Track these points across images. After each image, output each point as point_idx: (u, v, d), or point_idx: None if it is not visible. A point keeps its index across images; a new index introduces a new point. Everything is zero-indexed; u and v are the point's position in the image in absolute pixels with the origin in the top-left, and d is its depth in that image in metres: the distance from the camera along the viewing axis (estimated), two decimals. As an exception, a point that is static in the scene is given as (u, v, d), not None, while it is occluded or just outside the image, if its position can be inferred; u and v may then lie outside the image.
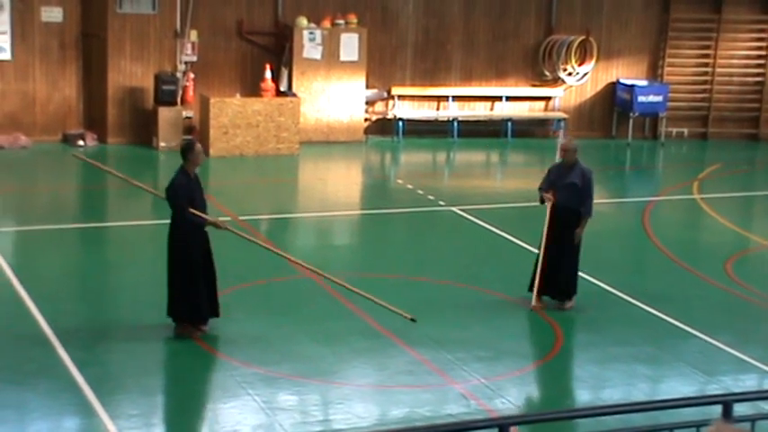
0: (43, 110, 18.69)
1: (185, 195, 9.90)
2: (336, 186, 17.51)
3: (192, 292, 9.93)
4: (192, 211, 9.94)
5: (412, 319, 9.92)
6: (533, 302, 11.16)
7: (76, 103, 18.88)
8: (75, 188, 15.57)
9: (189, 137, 18.87)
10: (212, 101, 18.30)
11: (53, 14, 18.43)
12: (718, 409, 5.41)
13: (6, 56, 18.25)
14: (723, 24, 21.92)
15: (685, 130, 22.20)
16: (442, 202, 15.82)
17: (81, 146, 18.37)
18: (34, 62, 18.48)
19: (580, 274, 11.42)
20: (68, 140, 18.57)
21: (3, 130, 18.29)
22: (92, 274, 12.25)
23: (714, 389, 9.51)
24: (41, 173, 17.13)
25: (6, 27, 18.14)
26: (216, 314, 10.18)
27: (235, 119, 18.37)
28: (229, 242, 13.33)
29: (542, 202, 11.22)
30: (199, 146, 10.23)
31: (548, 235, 11.11)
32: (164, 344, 10.00)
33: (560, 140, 11.38)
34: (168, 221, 10.07)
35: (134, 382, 9.27)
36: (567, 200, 11.06)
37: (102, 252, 13.28)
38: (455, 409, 8.85)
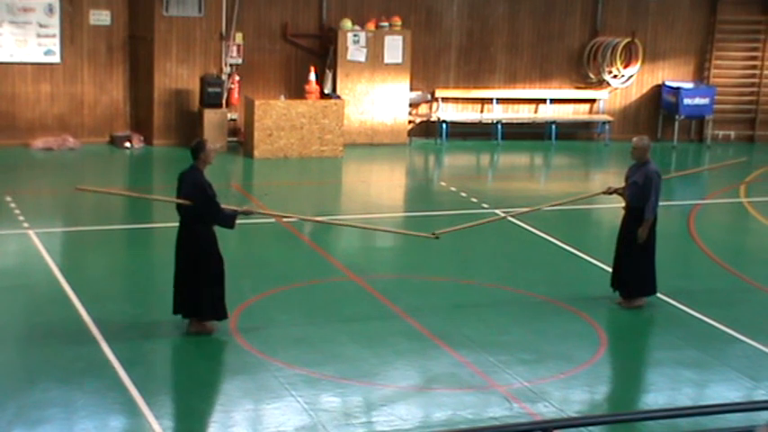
0: (91, 112, 18.92)
1: (214, 192, 10.01)
2: (380, 189, 17.54)
3: (218, 288, 10.08)
4: (225, 206, 10.07)
5: (436, 237, 10.94)
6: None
7: (123, 106, 19.09)
8: (121, 189, 15.73)
9: (233, 138, 19.03)
10: (257, 103, 18.41)
11: (101, 17, 18.66)
12: (765, 415, 5.36)
13: (56, 59, 18.51)
14: (771, 26, 21.67)
15: (732, 133, 21.97)
16: (485, 205, 15.79)
17: (128, 147, 18.58)
18: (82, 65, 18.72)
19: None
20: (115, 142, 18.78)
21: (51, 132, 18.56)
22: (138, 273, 12.38)
23: (761, 395, 9.39)
24: (89, 174, 17.33)
25: (56, 30, 18.40)
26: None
27: (279, 121, 18.47)
28: (272, 245, 13.41)
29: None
30: (210, 144, 10.24)
31: (619, 231, 11.54)
32: (208, 344, 10.08)
33: (634, 140, 11.60)
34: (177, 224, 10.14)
35: (178, 381, 9.38)
36: (632, 198, 11.34)
37: (148, 252, 13.40)
38: (498, 412, 8.83)
